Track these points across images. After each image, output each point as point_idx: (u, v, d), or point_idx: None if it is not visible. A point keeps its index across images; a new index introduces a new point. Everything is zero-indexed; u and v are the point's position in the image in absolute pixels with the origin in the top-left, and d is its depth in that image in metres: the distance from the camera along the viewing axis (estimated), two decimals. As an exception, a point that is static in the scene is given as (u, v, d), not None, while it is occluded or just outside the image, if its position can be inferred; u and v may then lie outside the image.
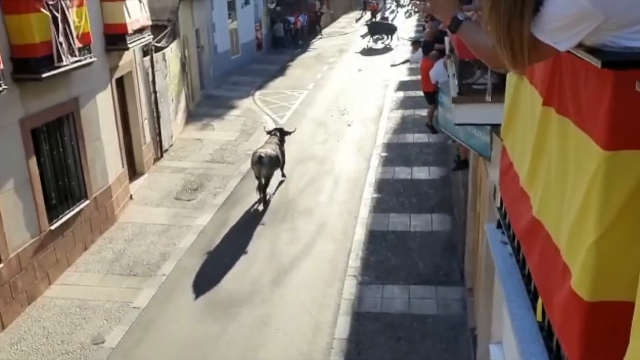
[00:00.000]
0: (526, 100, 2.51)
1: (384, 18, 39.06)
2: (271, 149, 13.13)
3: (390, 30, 32.69)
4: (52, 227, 10.16)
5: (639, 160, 1.59)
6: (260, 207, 12.94)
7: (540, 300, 2.30)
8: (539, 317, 2.35)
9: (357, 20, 43.76)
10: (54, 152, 10.48)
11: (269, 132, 14.24)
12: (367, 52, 31.08)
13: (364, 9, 45.36)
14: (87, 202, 11.25)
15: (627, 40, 1.55)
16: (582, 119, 1.79)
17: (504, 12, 1.57)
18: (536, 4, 1.53)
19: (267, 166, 12.75)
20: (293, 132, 14.58)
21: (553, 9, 1.52)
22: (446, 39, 9.35)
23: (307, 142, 17.18)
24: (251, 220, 12.54)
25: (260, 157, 12.69)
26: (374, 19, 38.76)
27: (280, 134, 14.00)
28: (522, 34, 1.57)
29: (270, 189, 13.46)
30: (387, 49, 31.20)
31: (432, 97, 11.87)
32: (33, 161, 9.67)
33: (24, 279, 9.41)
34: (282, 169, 13.92)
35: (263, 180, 12.85)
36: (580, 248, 1.78)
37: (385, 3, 48.43)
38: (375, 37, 32.40)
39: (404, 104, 20.59)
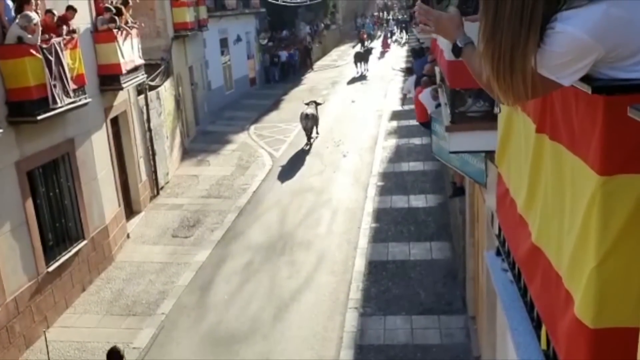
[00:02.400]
0: (519, 128, 2.52)
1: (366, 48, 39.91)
2: (312, 110, 19.88)
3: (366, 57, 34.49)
4: (50, 269, 10.09)
5: (635, 184, 1.59)
6: (307, 148, 19.62)
7: (544, 328, 2.28)
8: (544, 346, 2.32)
9: (353, 47, 44.62)
10: (50, 194, 10.46)
11: (307, 103, 20.43)
12: (360, 83, 31.42)
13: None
14: (85, 242, 11.20)
15: (623, 72, 1.56)
16: (575, 145, 1.80)
17: (505, 48, 1.55)
18: (541, 31, 1.53)
19: (311, 120, 19.66)
20: (323, 103, 21.94)
21: (554, 46, 1.51)
22: (436, 69, 9.44)
23: (304, 174, 17.21)
24: (250, 255, 12.48)
25: (307, 114, 19.58)
26: (362, 48, 39.71)
27: (315, 104, 20.41)
28: (525, 70, 1.56)
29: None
30: (379, 79, 31.55)
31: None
32: (29, 203, 9.65)
33: (21, 322, 9.29)
34: (317, 127, 20.32)
35: (309, 130, 19.69)
36: (581, 274, 1.76)
37: (377, 30, 49.66)
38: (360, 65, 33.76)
39: (398, 133, 20.71)
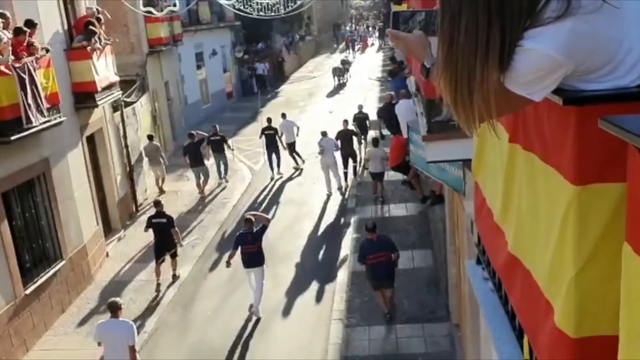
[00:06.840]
0: (494, 137, 2.53)
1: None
2: (341, 64, 34.10)
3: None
4: (27, 291, 9.91)
5: (610, 193, 1.60)
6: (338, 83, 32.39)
7: (526, 337, 2.28)
8: (527, 355, 2.32)
9: (331, 54, 45.80)
10: (27, 215, 10.31)
11: (340, 61, 34.94)
12: (337, 94, 31.53)
13: (345, 45, 48.06)
14: (63, 262, 11.03)
15: (592, 84, 1.57)
16: (549, 154, 1.80)
17: (462, 77, 1.54)
18: (500, 55, 1.52)
19: (340, 70, 33.46)
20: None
21: (524, 64, 1.51)
22: (412, 78, 9.51)
23: (283, 186, 17.16)
24: (232, 269, 12.36)
25: (337, 67, 33.58)
26: (347, 55, 41.20)
27: (342, 62, 35.00)
28: (487, 95, 1.54)
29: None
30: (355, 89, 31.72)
31: (404, 167, 11.05)
32: (5, 225, 9.48)
33: (-1, 347, 9.10)
34: (346, 74, 34.39)
35: (340, 76, 33.37)
36: (560, 283, 1.76)
37: (358, 34, 52.28)
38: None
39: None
